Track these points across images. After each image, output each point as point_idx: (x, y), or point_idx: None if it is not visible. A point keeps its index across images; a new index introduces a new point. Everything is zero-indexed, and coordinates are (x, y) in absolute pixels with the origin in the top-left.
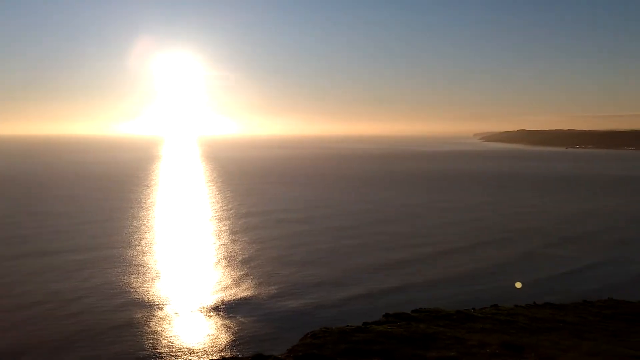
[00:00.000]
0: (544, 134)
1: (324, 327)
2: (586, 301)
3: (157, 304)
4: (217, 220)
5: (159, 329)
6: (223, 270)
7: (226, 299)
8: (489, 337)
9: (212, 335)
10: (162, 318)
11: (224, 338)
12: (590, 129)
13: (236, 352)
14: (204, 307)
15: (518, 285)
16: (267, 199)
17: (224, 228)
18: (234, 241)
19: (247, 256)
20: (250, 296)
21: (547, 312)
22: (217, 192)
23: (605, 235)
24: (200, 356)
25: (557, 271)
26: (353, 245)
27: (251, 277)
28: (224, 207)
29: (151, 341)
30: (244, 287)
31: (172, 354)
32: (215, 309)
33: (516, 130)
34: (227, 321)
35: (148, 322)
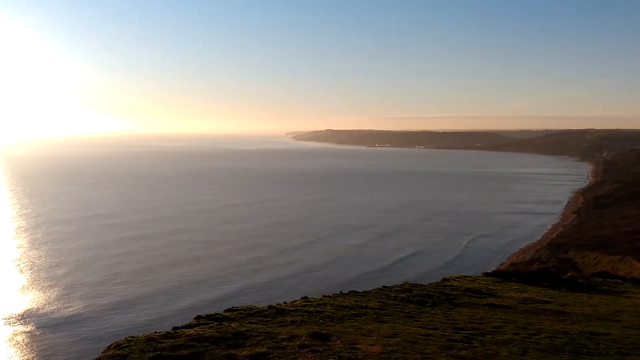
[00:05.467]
0: (349, 133)
1: (129, 336)
2: (385, 287)
3: None
4: (26, 229)
5: None
6: (38, 286)
7: (39, 316)
8: (299, 329)
9: (19, 357)
10: None
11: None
12: (388, 129)
13: None
14: (14, 327)
15: None
16: (84, 202)
17: (37, 237)
18: (50, 252)
19: (66, 269)
20: (72, 313)
21: (352, 299)
22: (24, 197)
23: (419, 227)
24: None
25: (381, 262)
26: (190, 249)
27: (73, 291)
28: (33, 214)
29: None
30: (62, 303)
31: None
32: (28, 327)
33: (324, 129)
34: (38, 341)
35: None
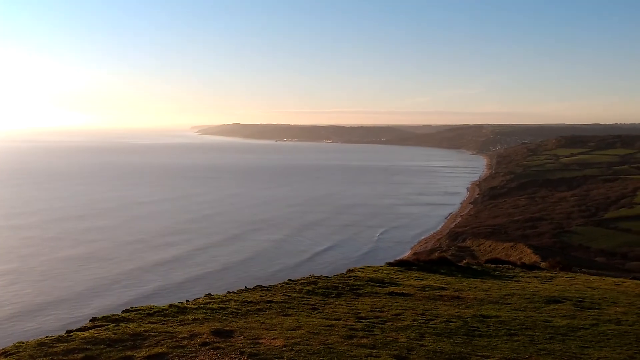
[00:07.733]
0: (256, 127)
1: (17, 342)
2: (291, 280)
3: None
4: None
5: None
6: None
7: None
8: (200, 327)
9: None
10: None
11: None
12: (296, 123)
13: None
14: None
15: None
16: None
17: None
18: None
19: None
20: None
21: (257, 294)
22: None
23: (333, 220)
24: None
25: (299, 257)
26: (99, 249)
27: None
28: None
29: None
30: None
31: None
32: None
33: (231, 123)
34: None
35: None
